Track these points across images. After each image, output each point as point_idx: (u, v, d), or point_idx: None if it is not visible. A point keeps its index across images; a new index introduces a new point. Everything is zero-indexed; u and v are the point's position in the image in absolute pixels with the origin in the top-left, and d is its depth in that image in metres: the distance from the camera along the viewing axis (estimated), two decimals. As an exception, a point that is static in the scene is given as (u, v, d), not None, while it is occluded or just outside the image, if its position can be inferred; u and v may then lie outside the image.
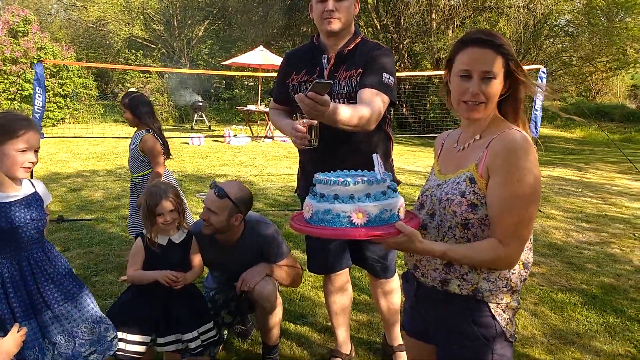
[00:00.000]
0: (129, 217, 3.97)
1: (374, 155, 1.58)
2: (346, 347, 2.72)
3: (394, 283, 2.64)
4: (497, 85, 1.43)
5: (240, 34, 21.19)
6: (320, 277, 3.85)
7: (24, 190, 1.98)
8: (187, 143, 11.59)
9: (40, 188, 2.07)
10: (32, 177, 5.28)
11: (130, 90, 3.92)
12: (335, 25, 2.17)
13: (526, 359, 2.77)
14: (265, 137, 12.28)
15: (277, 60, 13.42)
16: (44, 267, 1.99)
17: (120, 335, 2.18)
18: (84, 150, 10.48)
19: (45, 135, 5.77)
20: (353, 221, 1.39)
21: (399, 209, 1.44)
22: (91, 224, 5.24)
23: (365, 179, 1.43)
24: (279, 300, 2.55)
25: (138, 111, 3.66)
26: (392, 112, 2.29)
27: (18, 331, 1.70)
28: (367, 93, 2.12)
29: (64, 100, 15.84)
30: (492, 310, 1.45)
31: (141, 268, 2.26)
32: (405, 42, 16.90)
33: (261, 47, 13.73)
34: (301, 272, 2.72)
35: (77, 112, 16.58)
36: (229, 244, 2.50)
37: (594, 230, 5.46)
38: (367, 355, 2.82)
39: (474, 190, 1.42)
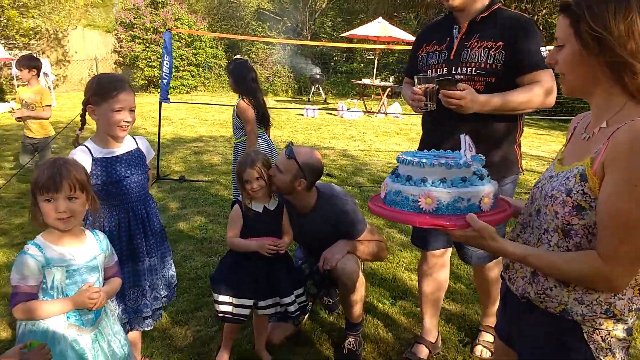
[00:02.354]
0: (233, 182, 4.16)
1: (462, 136, 1.42)
2: (432, 335, 2.60)
3: (495, 272, 2.47)
4: (566, 54, 1.20)
5: (362, 5, 20.93)
6: (416, 259, 3.74)
7: (126, 147, 2.09)
8: (302, 114, 11.88)
9: (144, 145, 2.18)
10: (158, 138, 5.75)
11: (236, 57, 4.05)
12: (454, 1, 2.15)
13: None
14: (379, 112, 12.12)
15: (396, 33, 13.03)
16: (142, 222, 2.12)
17: (227, 299, 2.28)
18: (210, 117, 11.25)
19: (172, 100, 6.29)
20: (421, 206, 1.29)
21: (481, 199, 1.28)
22: (207, 186, 5.63)
23: (443, 161, 1.31)
24: (362, 278, 2.50)
25: (237, 78, 3.76)
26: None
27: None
28: (533, 75, 2.10)
29: (197, 69, 17.12)
30: (585, 335, 1.21)
31: (239, 233, 2.34)
32: (541, 14, 15.34)
33: (380, 18, 13.39)
34: (385, 245, 2.63)
35: (208, 81, 17.83)
36: (303, 214, 2.50)
37: None
38: (455, 348, 2.67)
39: (583, 190, 1.17)
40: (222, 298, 2.29)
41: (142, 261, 2.13)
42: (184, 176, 5.90)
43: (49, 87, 11.98)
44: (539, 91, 2.07)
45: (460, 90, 1.98)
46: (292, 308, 2.33)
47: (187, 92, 16.72)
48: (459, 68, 2.16)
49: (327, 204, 2.50)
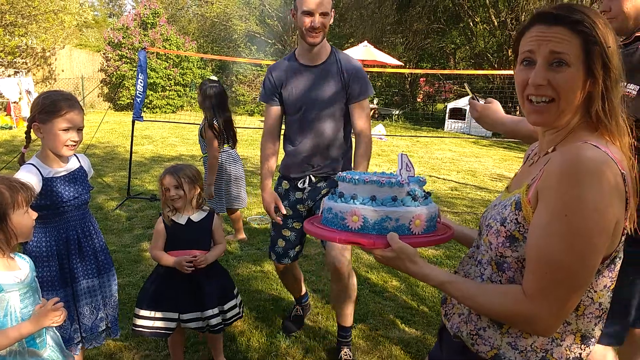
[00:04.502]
0: None
1: (400, 155, 1.37)
2: None
3: None
4: (571, 76, 1.01)
5: (352, 29, 21.25)
6: (382, 281, 3.65)
7: (70, 165, 2.03)
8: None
9: (86, 163, 2.14)
10: (130, 156, 5.65)
11: (210, 77, 4.19)
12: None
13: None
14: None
15: (380, 57, 13.19)
16: (83, 242, 2.05)
17: (148, 313, 2.21)
18: (192, 136, 11.19)
19: (145, 119, 6.23)
20: (347, 224, 1.22)
21: (411, 220, 1.23)
22: (177, 205, 5.54)
23: (374, 179, 1.25)
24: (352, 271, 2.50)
25: (202, 98, 3.96)
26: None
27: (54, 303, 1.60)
28: None
29: (184, 89, 17.17)
30: None
31: (163, 246, 2.27)
32: None
33: (365, 42, 13.56)
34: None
35: (194, 101, 17.87)
36: (314, 65, 2.45)
37: None
38: (411, 373, 2.58)
39: (516, 219, 1.06)
40: (143, 312, 2.22)
41: (79, 282, 2.06)
42: (155, 195, 5.80)
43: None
44: None
45: (486, 103, 1.89)
46: (213, 321, 2.26)
47: (173, 112, 16.70)
48: None
49: (341, 59, 2.45)
